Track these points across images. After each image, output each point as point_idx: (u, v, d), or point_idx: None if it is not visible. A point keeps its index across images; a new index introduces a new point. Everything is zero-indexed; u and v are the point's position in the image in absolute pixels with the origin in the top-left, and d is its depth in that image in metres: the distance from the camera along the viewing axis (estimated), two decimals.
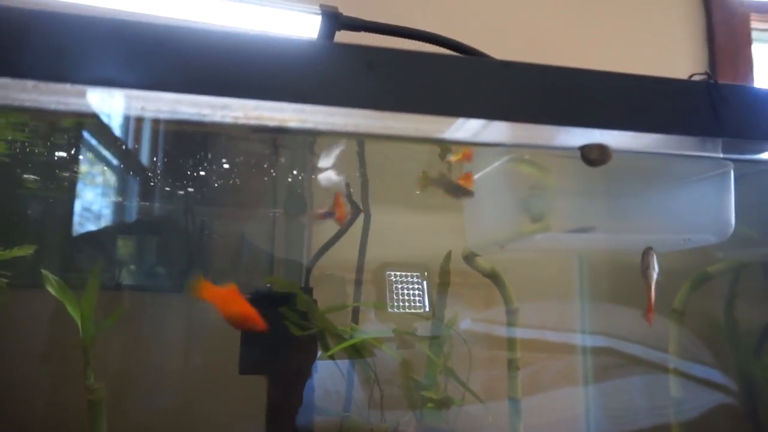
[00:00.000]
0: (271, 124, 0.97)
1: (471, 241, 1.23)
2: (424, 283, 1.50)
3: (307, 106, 0.90)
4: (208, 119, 0.95)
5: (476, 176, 1.08)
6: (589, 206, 1.08)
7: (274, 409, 1.25)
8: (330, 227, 1.39)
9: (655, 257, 1.08)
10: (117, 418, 1.23)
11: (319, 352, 1.30)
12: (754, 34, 2.17)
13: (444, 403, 1.21)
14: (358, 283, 1.43)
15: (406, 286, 1.48)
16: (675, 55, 2.11)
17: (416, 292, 1.49)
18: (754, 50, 2.14)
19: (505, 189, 1.04)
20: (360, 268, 1.43)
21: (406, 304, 1.46)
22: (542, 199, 1.05)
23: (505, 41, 1.75)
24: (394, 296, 1.47)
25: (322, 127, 1.04)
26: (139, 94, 0.83)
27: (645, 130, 0.88)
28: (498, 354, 1.39)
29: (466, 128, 0.99)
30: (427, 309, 1.47)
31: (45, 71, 0.77)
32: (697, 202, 1.07)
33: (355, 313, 1.41)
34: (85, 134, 1.28)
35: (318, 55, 0.88)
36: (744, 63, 2.13)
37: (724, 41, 2.13)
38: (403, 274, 1.50)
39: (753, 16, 2.20)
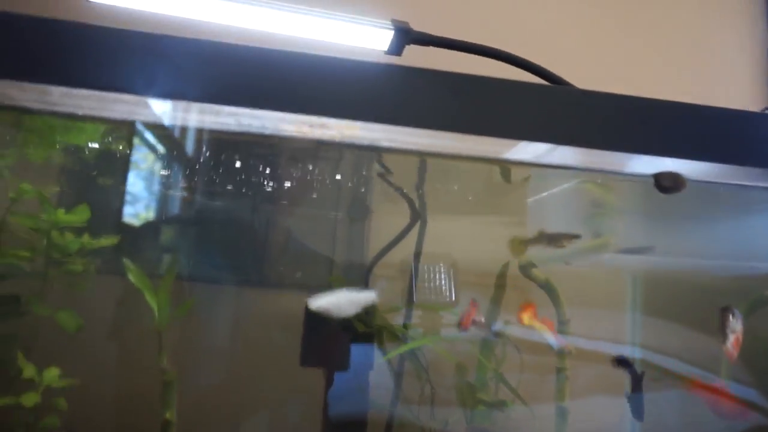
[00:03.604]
0: (343, 140, 1.04)
1: (532, 254, 1.27)
2: (449, 273, 1.54)
3: (380, 125, 0.95)
4: (284, 133, 1.02)
5: (544, 194, 1.12)
6: (652, 228, 1.11)
7: (331, 401, 1.33)
8: (389, 231, 1.45)
9: (734, 317, 1.01)
10: (183, 399, 1.34)
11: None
12: None
13: (497, 406, 1.26)
14: (412, 284, 1.49)
15: (432, 278, 1.51)
16: (741, 87, 2.10)
17: (442, 283, 1.53)
18: None
19: (570, 207, 1.07)
20: (414, 271, 1.49)
21: (433, 294, 1.50)
22: (605, 218, 1.08)
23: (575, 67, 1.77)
24: (423, 287, 1.51)
25: (386, 143, 1.10)
26: (238, 110, 0.90)
27: (716, 160, 0.90)
28: (540, 359, 1.43)
29: (528, 150, 1.03)
30: (453, 298, 1.51)
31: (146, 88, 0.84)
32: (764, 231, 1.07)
33: (409, 311, 1.47)
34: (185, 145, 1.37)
35: (394, 77, 0.93)
36: None
37: None
38: (430, 265, 1.54)
39: None
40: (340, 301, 1.18)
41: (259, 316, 1.50)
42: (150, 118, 0.98)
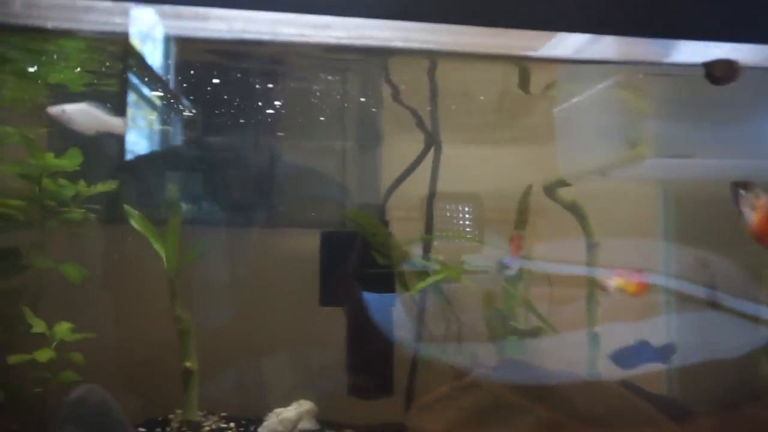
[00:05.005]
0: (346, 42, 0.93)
1: (565, 170, 1.17)
2: (472, 211, 1.46)
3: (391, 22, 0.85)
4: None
5: (574, 100, 1.02)
6: (691, 132, 1.01)
7: (353, 340, 1.29)
8: (403, 159, 1.35)
9: (749, 192, 0.90)
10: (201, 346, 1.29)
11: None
12: None
13: (533, 334, 1.21)
14: (429, 215, 1.40)
15: (455, 215, 1.44)
16: None
17: (465, 220, 1.45)
18: None
19: (607, 114, 0.97)
20: (430, 201, 1.40)
21: (456, 231, 1.43)
22: (641, 125, 0.98)
23: None
24: (446, 224, 1.44)
25: (397, 44, 0.99)
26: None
27: None
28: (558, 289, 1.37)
29: (566, 45, 0.91)
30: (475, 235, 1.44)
31: None
32: None
33: (427, 244, 1.40)
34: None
35: None
36: None
37: None
38: (453, 203, 1.46)
39: None
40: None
41: (271, 258, 1.43)
42: (126, 29, 0.86)
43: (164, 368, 1.30)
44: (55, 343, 1.16)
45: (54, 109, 1.10)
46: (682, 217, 1.40)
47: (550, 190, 1.26)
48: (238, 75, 1.33)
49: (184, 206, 1.42)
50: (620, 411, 1.09)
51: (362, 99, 1.40)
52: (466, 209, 1.45)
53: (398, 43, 1.00)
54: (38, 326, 1.16)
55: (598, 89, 0.98)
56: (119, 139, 1.36)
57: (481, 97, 1.38)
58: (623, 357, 1.09)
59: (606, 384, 1.16)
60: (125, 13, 0.90)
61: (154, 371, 1.34)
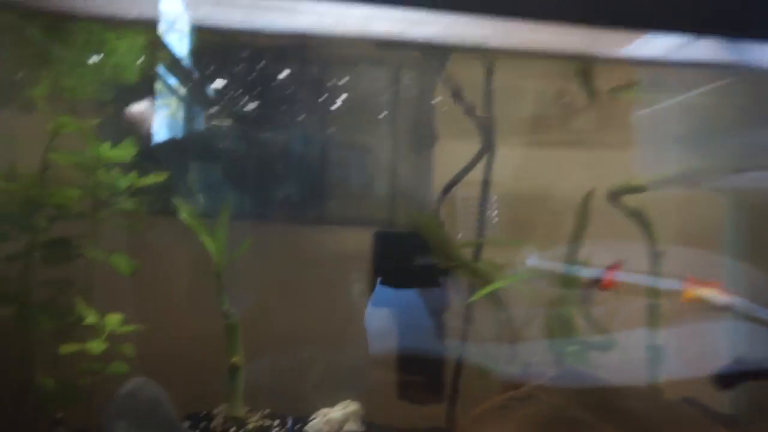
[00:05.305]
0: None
1: (645, 176, 1.12)
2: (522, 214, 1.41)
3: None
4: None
5: (660, 105, 0.96)
6: None
7: (404, 342, 1.26)
8: (459, 162, 1.31)
9: None
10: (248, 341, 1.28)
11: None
12: None
13: (605, 346, 1.16)
14: (482, 217, 1.36)
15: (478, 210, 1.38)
16: None
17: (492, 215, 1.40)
18: None
19: (694, 121, 0.91)
20: (483, 204, 1.36)
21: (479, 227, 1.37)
22: (731, 133, 0.93)
23: None
24: (469, 220, 1.39)
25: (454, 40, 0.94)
26: None
27: None
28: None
29: (654, 46, 0.86)
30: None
31: None
32: None
33: (478, 248, 1.36)
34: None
35: None
36: None
37: None
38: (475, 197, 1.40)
39: None
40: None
41: (318, 255, 1.40)
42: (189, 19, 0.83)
43: (207, 363, 1.29)
44: (106, 334, 1.15)
45: (135, 108, 1.08)
46: (754, 230, 1.33)
47: (615, 195, 1.21)
48: (292, 69, 1.30)
49: (233, 201, 1.40)
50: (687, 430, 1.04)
51: (417, 97, 1.36)
52: (518, 212, 1.40)
53: (455, 39, 0.95)
54: (91, 316, 1.15)
55: (685, 95, 0.93)
56: (170, 132, 1.34)
57: (542, 98, 1.33)
58: (724, 377, 1.04)
59: (673, 401, 1.11)
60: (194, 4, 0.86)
61: (198, 366, 1.33)
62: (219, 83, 1.30)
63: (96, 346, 1.10)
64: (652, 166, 1.08)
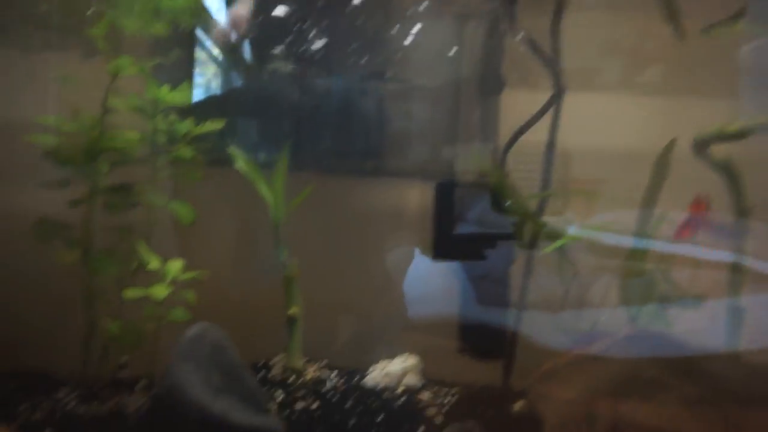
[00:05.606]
0: None
1: (742, 122, 1.01)
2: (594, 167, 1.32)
3: None
4: None
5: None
6: None
7: (466, 298, 1.22)
8: (526, 111, 1.23)
9: None
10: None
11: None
12: None
13: (694, 302, 1.09)
14: (547, 169, 1.28)
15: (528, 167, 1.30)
16: None
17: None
18: None
19: None
20: (550, 154, 1.27)
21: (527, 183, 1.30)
22: None
23: None
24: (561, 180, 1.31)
25: None
26: None
27: None
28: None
29: None
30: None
31: None
32: None
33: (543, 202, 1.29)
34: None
35: None
36: None
37: None
38: (528, 153, 1.32)
39: None
40: None
41: (377, 208, 1.36)
42: None
43: (266, 314, 1.28)
44: (170, 279, 1.15)
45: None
46: None
47: (700, 147, 1.11)
48: (358, 13, 1.23)
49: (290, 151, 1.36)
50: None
51: (484, 43, 1.27)
52: (588, 165, 1.32)
53: None
54: (154, 262, 1.15)
55: None
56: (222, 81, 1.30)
57: (620, 40, 1.22)
58: None
59: (756, 364, 1.04)
60: None
61: (256, 316, 1.33)
62: (278, 22, 1.24)
63: (160, 290, 1.10)
64: (755, 112, 0.97)
